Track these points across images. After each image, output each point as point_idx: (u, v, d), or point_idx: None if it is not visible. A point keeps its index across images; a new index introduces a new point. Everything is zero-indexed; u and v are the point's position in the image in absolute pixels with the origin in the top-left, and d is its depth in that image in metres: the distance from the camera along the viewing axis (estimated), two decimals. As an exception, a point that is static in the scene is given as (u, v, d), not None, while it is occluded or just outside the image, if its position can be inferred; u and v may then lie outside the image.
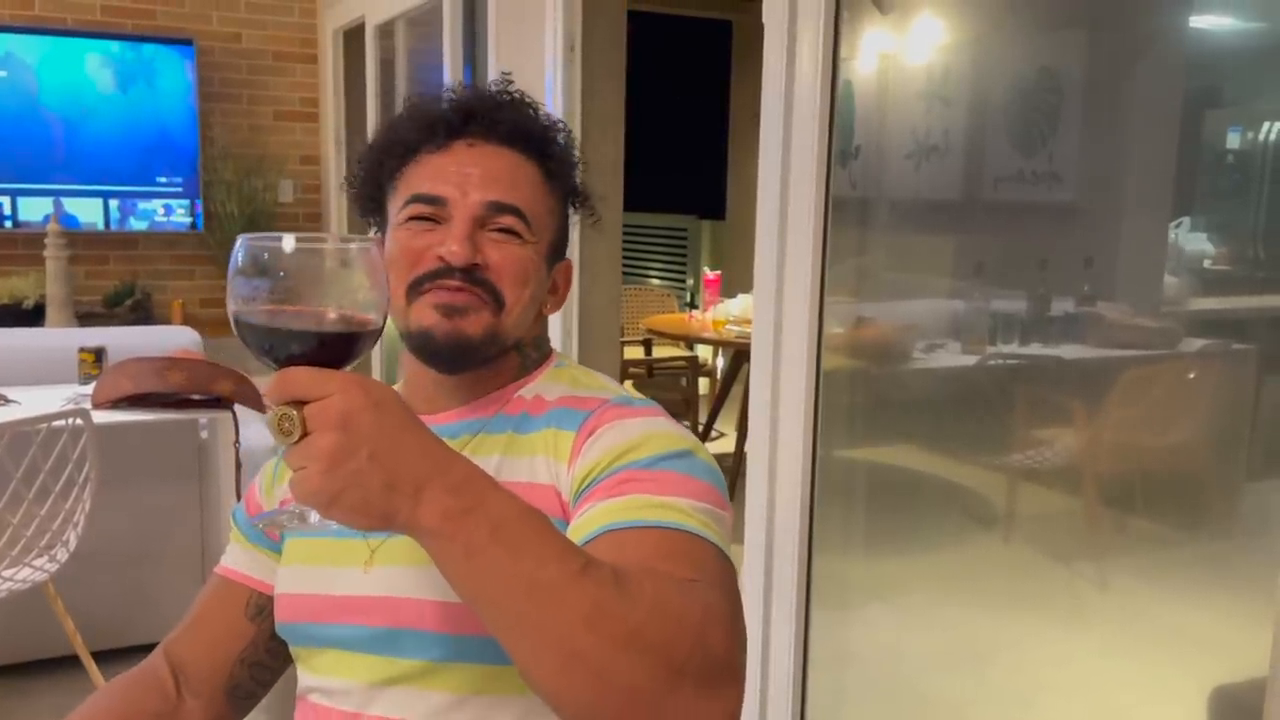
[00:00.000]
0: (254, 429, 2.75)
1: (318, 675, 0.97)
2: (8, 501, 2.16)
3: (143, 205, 5.11)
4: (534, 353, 1.03)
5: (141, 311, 5.04)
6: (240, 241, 0.68)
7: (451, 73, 3.57)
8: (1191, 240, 1.51)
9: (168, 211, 5.16)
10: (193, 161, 5.15)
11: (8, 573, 2.24)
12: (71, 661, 2.53)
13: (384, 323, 0.71)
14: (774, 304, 1.89)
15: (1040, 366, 1.77)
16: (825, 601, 1.94)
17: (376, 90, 4.56)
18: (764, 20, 1.88)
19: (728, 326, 4.10)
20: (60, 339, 3.30)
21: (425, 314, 0.93)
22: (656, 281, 7.01)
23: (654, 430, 0.91)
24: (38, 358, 3.12)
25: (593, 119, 2.84)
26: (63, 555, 2.34)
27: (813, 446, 1.86)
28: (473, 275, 0.93)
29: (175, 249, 5.27)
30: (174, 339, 3.23)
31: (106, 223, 5.05)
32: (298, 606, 0.98)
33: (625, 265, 3.13)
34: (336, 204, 5.28)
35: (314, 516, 0.70)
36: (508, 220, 0.95)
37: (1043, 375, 1.79)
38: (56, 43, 4.88)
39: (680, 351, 4.88)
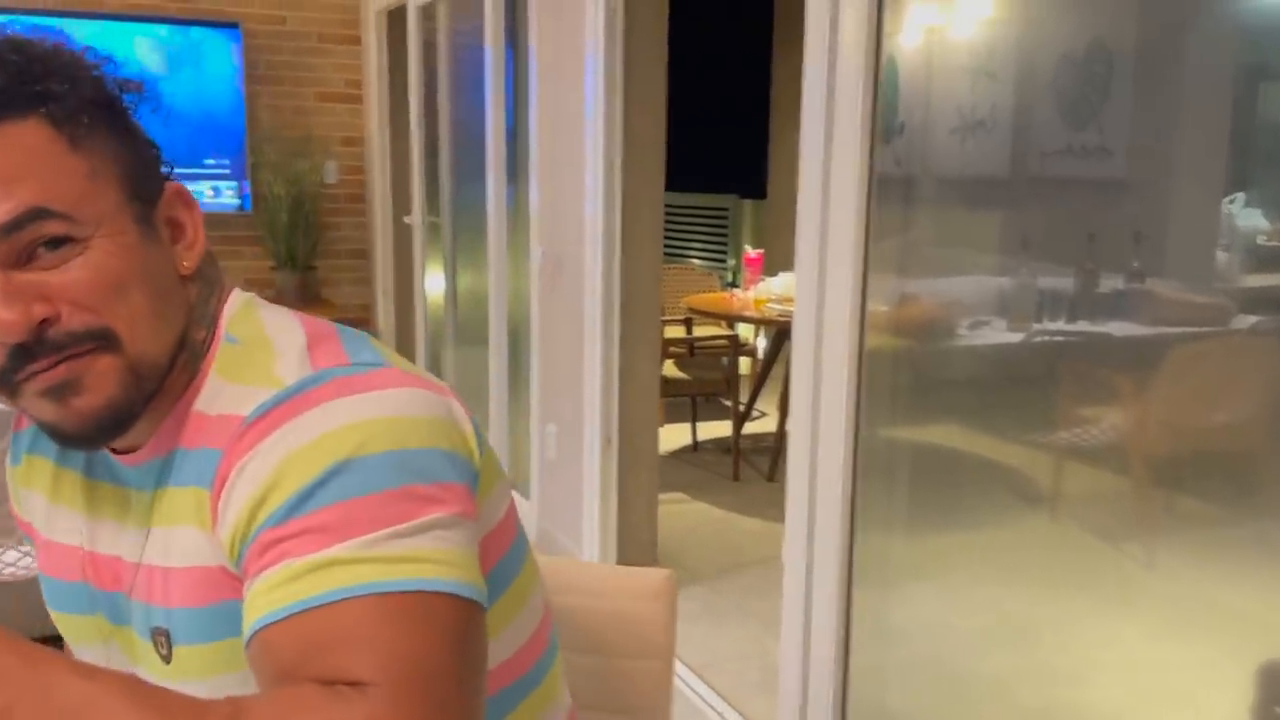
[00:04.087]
0: None
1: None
2: None
3: (191, 187, 5.17)
4: (197, 333, 0.76)
5: (191, 292, 5.13)
6: None
7: (493, 52, 3.58)
8: (1246, 215, 1.48)
9: (216, 193, 5.24)
10: (239, 143, 5.22)
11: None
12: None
13: None
14: (816, 282, 1.88)
15: (1087, 344, 1.75)
16: (867, 580, 1.93)
17: (419, 71, 4.58)
18: (807, -7, 1.86)
19: (769, 305, 4.09)
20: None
21: (38, 407, 0.69)
22: (698, 261, 7.00)
23: (296, 448, 0.65)
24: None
25: (635, 96, 2.83)
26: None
27: (855, 425, 1.85)
28: (50, 341, 0.66)
29: (223, 230, 5.35)
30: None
31: (156, 204, 5.15)
32: None
33: (666, 245, 3.12)
34: (380, 186, 5.32)
35: None
36: (44, 230, 0.65)
37: (1090, 352, 1.76)
38: (106, 27, 4.95)
39: (721, 330, 4.87)
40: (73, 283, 0.66)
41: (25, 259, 0.66)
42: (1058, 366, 1.83)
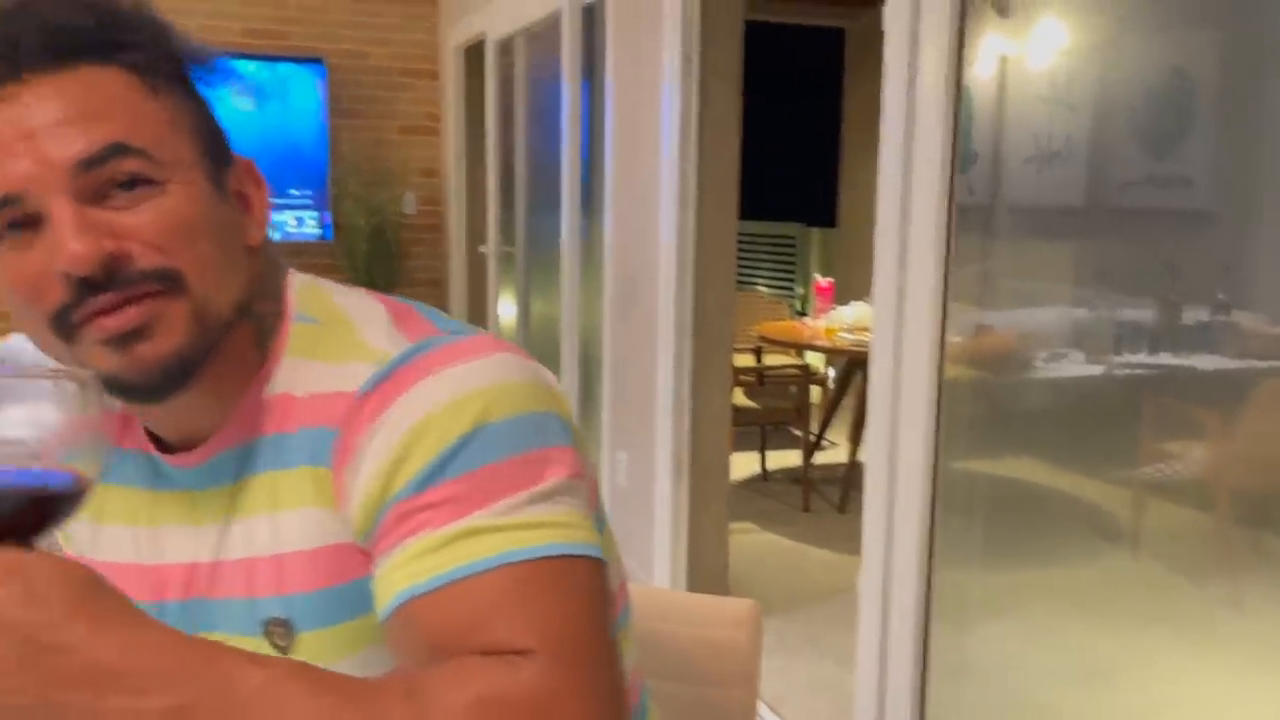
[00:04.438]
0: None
1: None
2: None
3: (276, 216, 5.36)
4: (265, 305, 0.75)
5: (273, 318, 5.28)
6: None
7: (569, 86, 3.66)
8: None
9: (299, 222, 5.41)
10: (322, 174, 5.38)
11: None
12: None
13: (92, 478, 0.54)
14: (894, 312, 1.88)
15: (1171, 377, 1.72)
16: (944, 615, 1.92)
17: (497, 104, 4.69)
18: (884, 25, 1.87)
19: (841, 334, 4.08)
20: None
21: (99, 355, 0.66)
22: (764, 289, 7.00)
23: (420, 419, 0.65)
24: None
25: (709, 127, 2.87)
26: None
27: (934, 457, 1.85)
28: (119, 276, 0.65)
29: (304, 258, 5.51)
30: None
31: (242, 233, 5.33)
32: None
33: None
34: (456, 216, 5.44)
35: None
36: (122, 167, 0.65)
37: (1173, 386, 1.74)
38: (199, 64, 5.17)
39: (791, 359, 4.86)
40: (146, 223, 0.66)
41: (100, 197, 0.65)
42: (1140, 400, 1.80)
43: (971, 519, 2.02)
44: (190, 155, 0.69)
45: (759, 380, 4.48)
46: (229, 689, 0.53)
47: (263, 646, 0.74)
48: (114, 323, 0.65)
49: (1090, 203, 1.82)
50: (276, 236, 5.29)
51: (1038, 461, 2.00)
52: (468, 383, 0.66)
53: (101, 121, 0.65)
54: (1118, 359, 1.79)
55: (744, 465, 4.63)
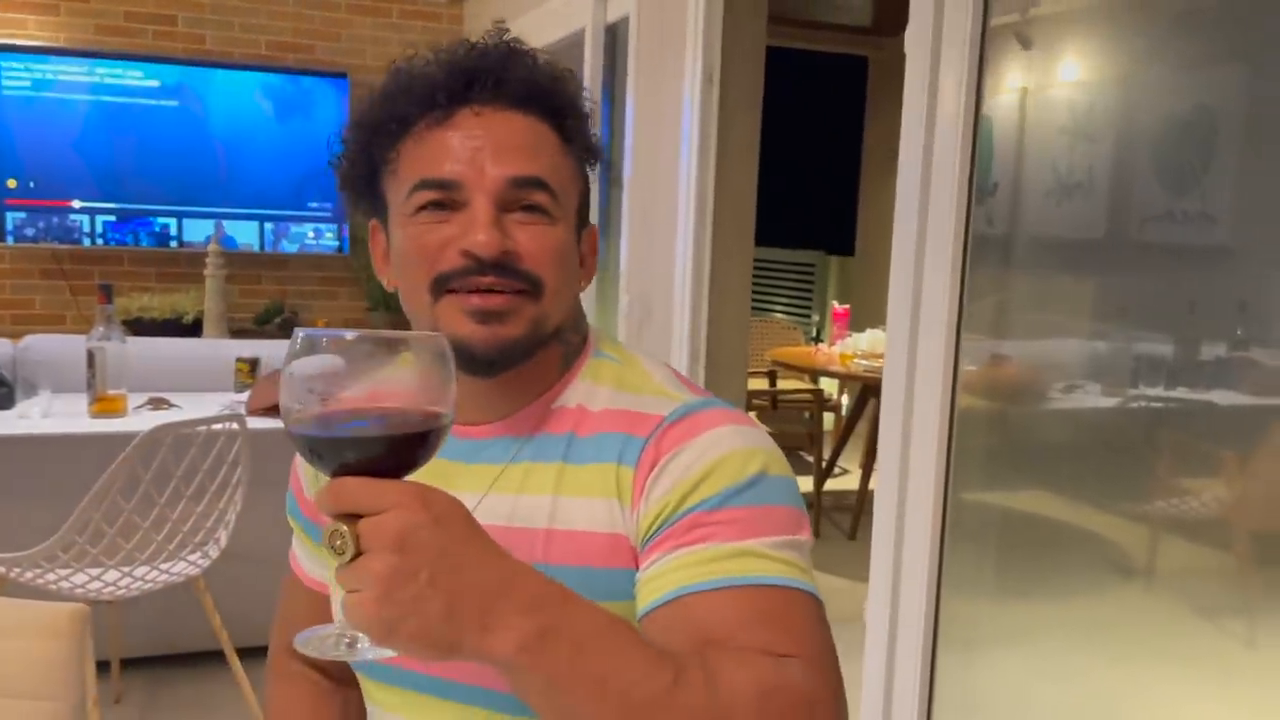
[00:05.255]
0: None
1: (388, 713, 0.92)
2: (168, 498, 2.30)
3: (294, 229, 5.38)
4: (574, 337, 0.92)
5: (289, 329, 5.30)
6: (296, 334, 0.63)
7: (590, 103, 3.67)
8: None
9: (317, 235, 5.43)
10: (342, 188, 5.40)
11: (164, 566, 2.39)
12: (215, 656, 2.67)
13: (452, 420, 0.65)
14: (907, 341, 1.87)
15: (1188, 413, 1.70)
16: (952, 646, 1.89)
17: (517, 122, 4.70)
18: (906, 50, 1.87)
19: (855, 361, 4.06)
20: (218, 349, 3.51)
21: (458, 321, 0.82)
22: (781, 315, 7.00)
23: (721, 454, 0.80)
24: (196, 366, 3.33)
25: (728, 150, 2.88)
26: (214, 552, 2.48)
27: (944, 487, 1.83)
28: (505, 267, 0.82)
29: (322, 270, 5.53)
30: (320, 354, 3.38)
31: (261, 244, 5.34)
32: None
33: (751, 298, 3.14)
34: (473, 231, 5.46)
35: (365, 643, 0.63)
36: (534, 196, 0.83)
37: (1190, 422, 1.71)
38: (225, 75, 5.21)
39: (805, 385, 4.85)
40: (533, 239, 0.83)
41: (509, 208, 0.83)
42: (1156, 436, 1.78)
43: (982, 549, 2.00)
44: (574, 208, 0.88)
45: (772, 404, 4.46)
46: (581, 621, 0.64)
47: None
48: (483, 302, 0.82)
49: (1110, 236, 1.81)
50: (295, 249, 5.34)
51: (1050, 494, 1.97)
52: (755, 440, 0.82)
53: (535, 159, 0.84)
54: (1133, 393, 1.77)
55: (754, 490, 4.60)
